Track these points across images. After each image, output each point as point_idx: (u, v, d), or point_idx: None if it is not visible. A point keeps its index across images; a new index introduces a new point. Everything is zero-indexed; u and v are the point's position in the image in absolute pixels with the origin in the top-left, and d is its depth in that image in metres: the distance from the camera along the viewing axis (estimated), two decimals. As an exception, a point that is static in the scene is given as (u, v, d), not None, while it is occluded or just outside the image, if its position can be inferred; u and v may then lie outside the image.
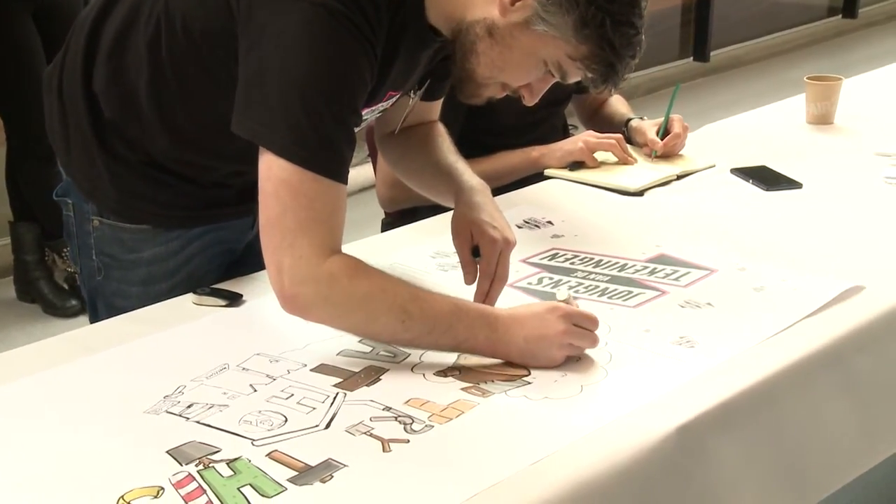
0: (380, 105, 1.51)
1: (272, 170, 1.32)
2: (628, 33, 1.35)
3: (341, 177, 1.34)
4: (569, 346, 1.36)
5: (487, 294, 1.50)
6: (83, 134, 1.56)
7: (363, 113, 1.44)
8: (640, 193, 1.99)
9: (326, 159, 1.33)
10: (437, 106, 1.72)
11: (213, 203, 1.61)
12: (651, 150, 2.16)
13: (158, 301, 1.58)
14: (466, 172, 1.63)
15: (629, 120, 2.28)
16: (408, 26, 1.41)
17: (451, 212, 1.92)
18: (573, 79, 1.40)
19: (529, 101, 1.45)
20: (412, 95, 1.59)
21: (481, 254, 1.52)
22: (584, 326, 1.36)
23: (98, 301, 1.66)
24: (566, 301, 1.39)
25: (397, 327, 1.33)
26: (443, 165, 1.65)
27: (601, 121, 2.36)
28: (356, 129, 1.38)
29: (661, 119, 2.19)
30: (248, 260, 1.69)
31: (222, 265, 1.69)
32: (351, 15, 1.31)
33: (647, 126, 2.21)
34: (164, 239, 1.61)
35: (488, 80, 1.43)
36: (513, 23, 1.35)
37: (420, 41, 1.45)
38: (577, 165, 2.10)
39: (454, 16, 1.40)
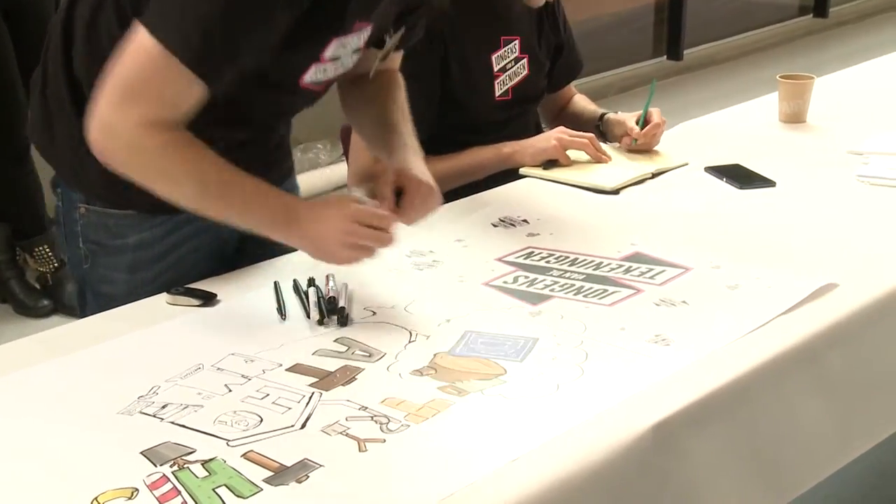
0: (351, 37, 1.50)
1: (142, 38, 1.34)
2: None
3: (205, 76, 1.36)
4: (356, 245, 1.42)
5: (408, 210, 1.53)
6: (67, 120, 1.56)
7: (332, 45, 1.46)
8: (615, 192, 2.00)
9: (195, 54, 1.34)
10: (398, 56, 1.73)
11: None
12: (631, 139, 2.17)
13: (145, 288, 1.59)
14: (407, 134, 1.65)
15: (603, 115, 2.28)
16: None
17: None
18: None
19: None
20: (387, 39, 1.59)
21: (405, 191, 1.54)
22: (373, 225, 1.41)
23: (86, 289, 1.67)
24: (358, 201, 1.43)
25: (198, 197, 1.43)
26: (388, 123, 1.66)
27: (566, 119, 2.36)
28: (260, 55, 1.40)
29: (639, 112, 2.20)
30: (245, 253, 1.69)
31: (213, 255, 1.68)
32: None
33: (627, 116, 2.22)
34: (150, 224, 1.61)
35: None
36: None
37: None
38: (550, 164, 2.10)
39: None
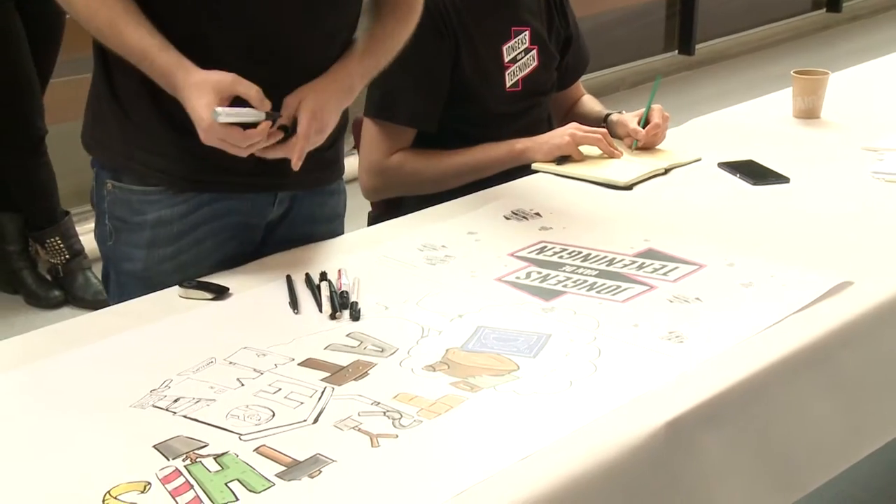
0: None
1: None
2: None
3: None
4: (220, 141, 1.48)
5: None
6: (96, 89, 1.61)
7: None
8: (628, 187, 1.99)
9: None
10: None
11: (226, 167, 1.58)
12: (633, 140, 2.16)
13: (162, 265, 1.61)
14: (357, 64, 1.65)
15: (608, 115, 2.28)
16: None
17: (439, 205, 1.93)
18: None
19: None
20: None
21: (303, 119, 1.55)
22: (232, 142, 1.48)
23: (110, 267, 1.69)
24: (219, 122, 1.46)
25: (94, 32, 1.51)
26: (357, 43, 1.68)
27: (574, 119, 2.35)
28: None
29: (642, 110, 2.19)
30: (270, 242, 1.70)
31: (237, 239, 1.68)
32: None
33: (629, 117, 2.21)
34: (171, 202, 1.62)
35: None
36: None
37: None
38: (563, 159, 2.09)
39: None
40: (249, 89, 1.50)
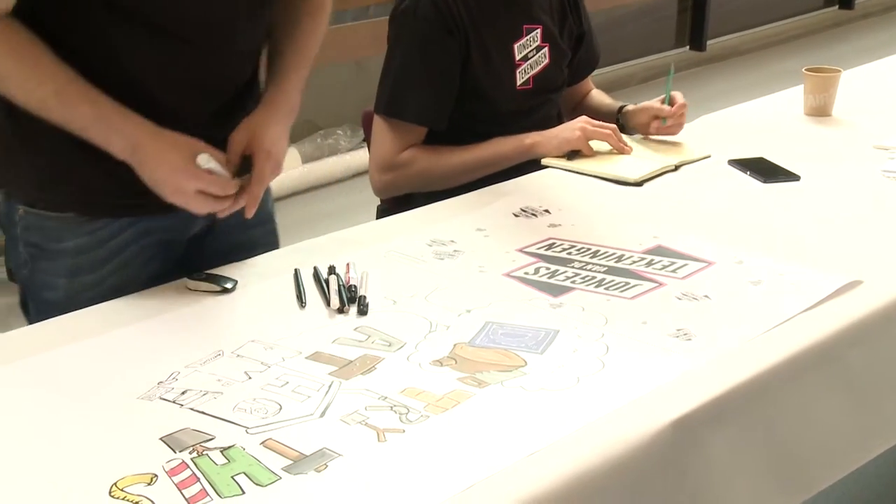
0: None
1: None
2: None
3: None
4: (188, 201, 1.45)
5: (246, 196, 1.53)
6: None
7: None
8: (639, 184, 1.98)
9: None
10: None
11: (143, 190, 1.50)
12: (660, 120, 2.16)
13: (87, 293, 1.53)
14: (292, 81, 1.62)
15: (622, 107, 2.27)
16: None
17: (447, 200, 1.93)
18: None
19: None
20: None
21: (255, 162, 1.53)
22: (212, 193, 1.45)
23: (28, 296, 1.62)
24: (205, 168, 1.45)
25: (36, 104, 1.41)
26: (284, 58, 1.64)
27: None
28: None
29: (662, 97, 2.19)
30: (194, 257, 1.65)
31: (159, 258, 1.63)
32: None
33: (648, 103, 2.20)
34: (90, 228, 1.55)
35: None
36: None
37: None
38: (574, 154, 2.09)
39: None
40: (216, 154, 1.49)
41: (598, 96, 2.40)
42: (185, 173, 1.45)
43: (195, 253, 1.67)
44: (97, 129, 1.45)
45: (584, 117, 2.14)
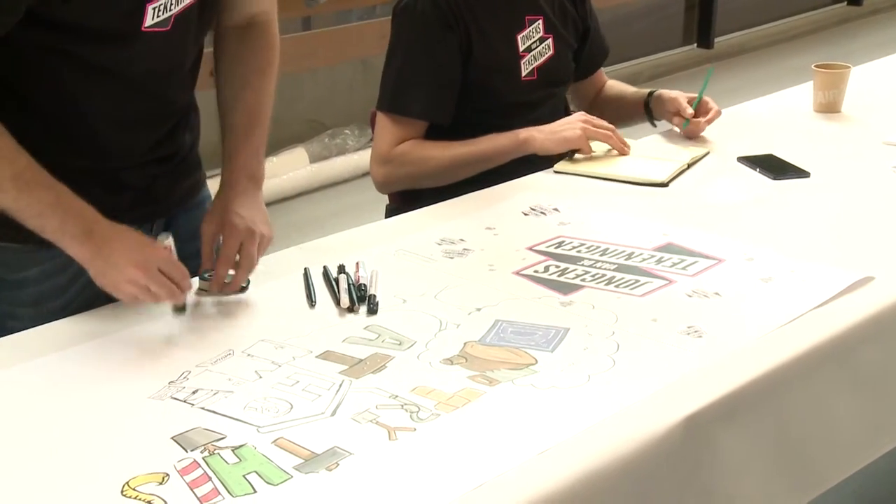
0: None
1: None
2: None
3: None
4: (144, 288, 1.39)
5: (226, 282, 1.49)
6: None
7: None
8: (666, 184, 1.97)
9: None
10: None
11: (102, 211, 1.48)
12: (682, 120, 2.15)
13: (54, 318, 1.50)
14: (247, 152, 1.60)
15: (652, 92, 2.26)
16: None
17: (457, 197, 1.93)
18: None
19: None
20: None
21: (222, 240, 1.51)
22: (171, 276, 1.40)
23: None
24: (165, 246, 1.42)
25: None
26: (235, 131, 1.62)
27: (605, 105, 2.34)
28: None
29: (694, 95, 2.18)
30: None
31: None
32: None
33: (681, 94, 2.20)
34: (50, 255, 1.50)
35: None
36: None
37: None
38: (573, 153, 2.07)
39: None
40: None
41: (617, 86, 2.38)
42: (147, 248, 1.42)
43: None
44: (53, 213, 1.40)
45: (582, 114, 2.12)
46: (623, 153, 2.09)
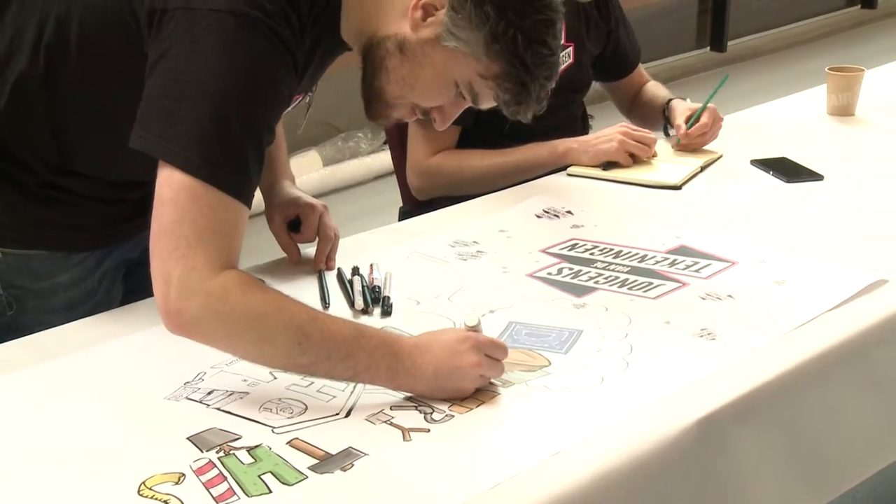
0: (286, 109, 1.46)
1: (173, 179, 1.23)
2: (541, 52, 1.30)
3: (245, 198, 1.26)
4: (480, 377, 1.26)
5: (319, 255, 1.58)
6: None
7: None
8: (679, 187, 1.97)
9: (233, 178, 1.24)
10: None
11: (116, 219, 1.53)
12: (675, 138, 2.15)
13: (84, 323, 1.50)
14: (285, 163, 1.72)
15: (669, 101, 2.26)
16: (322, 39, 1.37)
17: (469, 201, 1.93)
18: (486, 103, 1.35)
19: (440, 125, 1.41)
20: (311, 92, 1.56)
21: (301, 218, 1.62)
22: (494, 356, 1.27)
23: (13, 336, 1.48)
24: (475, 328, 1.29)
25: (294, 349, 1.22)
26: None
27: (640, 108, 2.34)
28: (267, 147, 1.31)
29: (697, 106, 2.16)
30: (138, 268, 1.58)
31: (137, 275, 1.60)
32: (277, 27, 1.26)
33: (680, 111, 2.17)
34: (77, 259, 1.52)
35: (398, 100, 1.37)
36: (424, 39, 1.31)
37: (331, 52, 1.43)
38: (609, 164, 2.04)
39: (366, 30, 1.35)
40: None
41: (653, 88, 2.36)
42: (464, 344, 1.26)
43: (137, 266, 1.63)
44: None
45: (622, 126, 2.10)
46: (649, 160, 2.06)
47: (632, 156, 2.05)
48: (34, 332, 1.47)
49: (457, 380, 1.25)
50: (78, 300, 1.55)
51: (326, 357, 1.23)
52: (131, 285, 1.63)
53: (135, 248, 1.61)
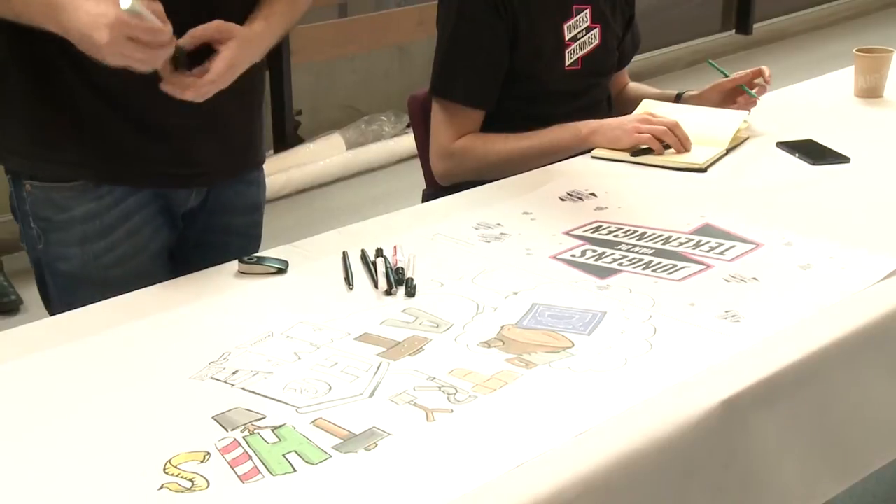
0: None
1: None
2: None
3: None
4: (120, 55, 1.35)
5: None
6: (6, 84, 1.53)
7: None
8: (704, 169, 1.96)
9: None
10: None
11: (141, 156, 1.57)
12: (745, 94, 2.18)
13: (100, 261, 1.57)
14: (268, 17, 1.58)
15: (680, 94, 2.25)
16: None
17: (493, 183, 1.93)
18: None
19: None
20: None
21: (217, 52, 1.49)
22: (142, 39, 1.34)
23: (44, 271, 1.64)
24: (132, 11, 1.32)
25: None
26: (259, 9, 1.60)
27: (630, 103, 2.31)
28: None
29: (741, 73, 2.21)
30: (192, 233, 1.67)
31: (166, 228, 1.66)
32: None
33: (717, 83, 2.22)
34: (95, 195, 1.58)
35: None
36: None
37: None
38: (641, 151, 2.02)
39: None
40: (154, 3, 1.38)
41: (641, 87, 2.36)
42: (107, 20, 1.33)
43: (189, 230, 1.70)
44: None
45: (641, 113, 2.08)
46: (680, 150, 2.02)
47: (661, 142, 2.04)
48: (57, 267, 1.58)
49: (97, 48, 1.35)
50: (91, 236, 1.59)
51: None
52: (192, 239, 1.67)
53: (179, 202, 1.64)
